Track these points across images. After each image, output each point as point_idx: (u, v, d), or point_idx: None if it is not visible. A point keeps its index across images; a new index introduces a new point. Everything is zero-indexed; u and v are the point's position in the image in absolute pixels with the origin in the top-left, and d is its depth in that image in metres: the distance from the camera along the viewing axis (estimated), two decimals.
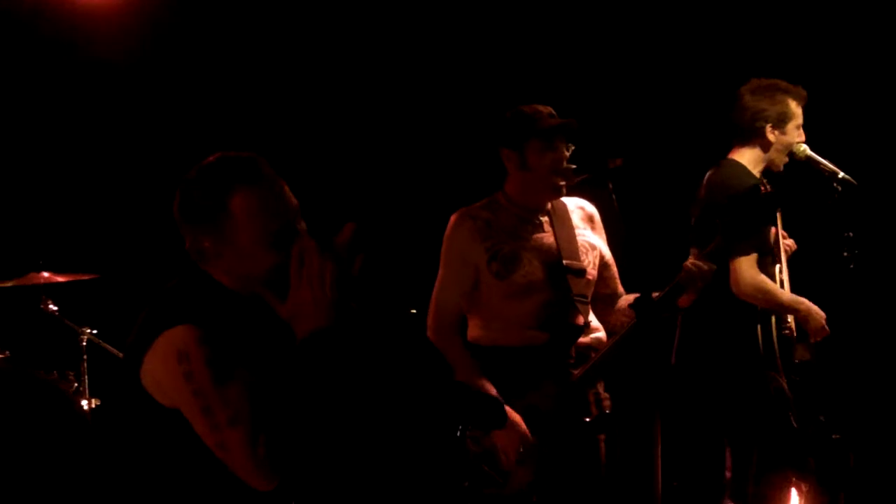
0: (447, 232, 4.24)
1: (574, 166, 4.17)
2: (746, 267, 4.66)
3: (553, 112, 4.21)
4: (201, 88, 6.45)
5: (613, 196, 4.17)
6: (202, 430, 2.59)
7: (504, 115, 4.23)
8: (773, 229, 4.94)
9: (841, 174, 4.95)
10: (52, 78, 6.43)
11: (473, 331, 4.27)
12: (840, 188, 4.96)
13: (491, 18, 6.71)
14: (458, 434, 4.04)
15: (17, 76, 6.41)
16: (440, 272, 4.25)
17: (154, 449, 2.69)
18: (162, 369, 2.62)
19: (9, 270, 5.70)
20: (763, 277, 4.78)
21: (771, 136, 4.90)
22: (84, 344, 5.81)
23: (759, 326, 4.77)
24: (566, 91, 6.47)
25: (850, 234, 4.99)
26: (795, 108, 4.92)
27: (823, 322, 4.88)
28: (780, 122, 4.90)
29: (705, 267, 4.11)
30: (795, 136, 4.93)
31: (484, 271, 4.15)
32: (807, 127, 4.97)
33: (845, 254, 5.00)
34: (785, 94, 4.91)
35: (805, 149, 4.95)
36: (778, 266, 4.94)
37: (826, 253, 5.01)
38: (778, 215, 4.98)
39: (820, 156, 4.96)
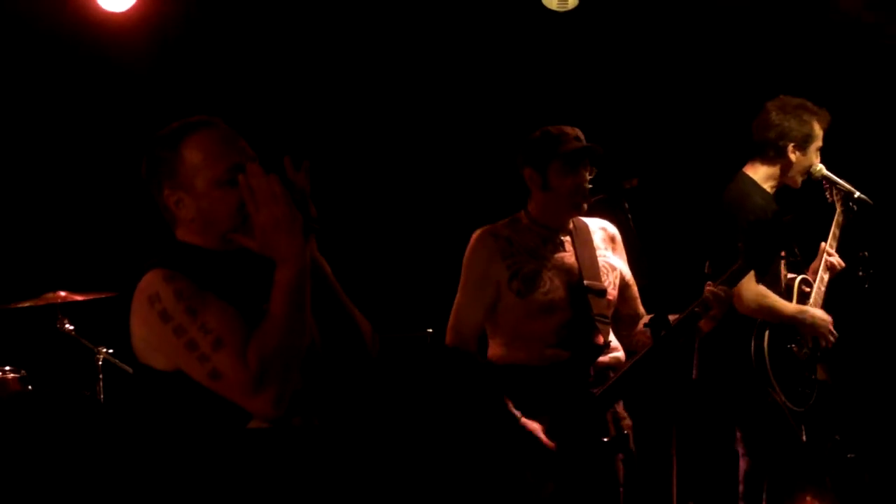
0: (468, 250, 4.25)
1: (590, 186, 4.19)
2: (746, 282, 4.64)
3: (580, 135, 4.22)
4: (220, 103, 6.46)
5: (629, 216, 4.19)
6: (191, 366, 2.63)
7: (530, 135, 4.25)
8: (821, 244, 4.98)
9: (857, 193, 4.96)
10: (70, 93, 6.46)
11: (494, 349, 4.27)
12: (856, 207, 4.97)
13: (512, 39, 6.73)
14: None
15: (34, 92, 6.43)
16: (460, 290, 4.26)
17: (162, 422, 2.72)
18: (141, 322, 2.69)
19: (25, 290, 5.70)
20: (763, 290, 4.78)
21: (792, 157, 4.88)
22: (100, 363, 5.81)
23: (752, 341, 4.77)
24: (584, 111, 6.50)
25: (866, 253, 5.00)
26: (819, 131, 4.90)
27: (830, 326, 4.87)
28: (804, 143, 4.87)
29: (722, 294, 4.12)
30: (815, 159, 4.91)
31: (505, 290, 4.16)
32: (823, 145, 4.96)
33: (860, 273, 5.01)
34: (812, 116, 4.88)
35: (821, 168, 4.94)
36: (804, 278, 4.92)
37: (842, 272, 5.00)
38: (833, 230, 4.99)
39: (836, 175, 4.97)
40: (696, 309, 4.13)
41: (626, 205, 4.20)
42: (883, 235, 5.33)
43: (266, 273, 2.76)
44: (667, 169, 6.21)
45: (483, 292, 4.19)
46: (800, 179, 4.94)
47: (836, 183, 4.96)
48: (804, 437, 4.86)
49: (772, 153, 4.90)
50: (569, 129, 4.21)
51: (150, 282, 2.68)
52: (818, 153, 4.93)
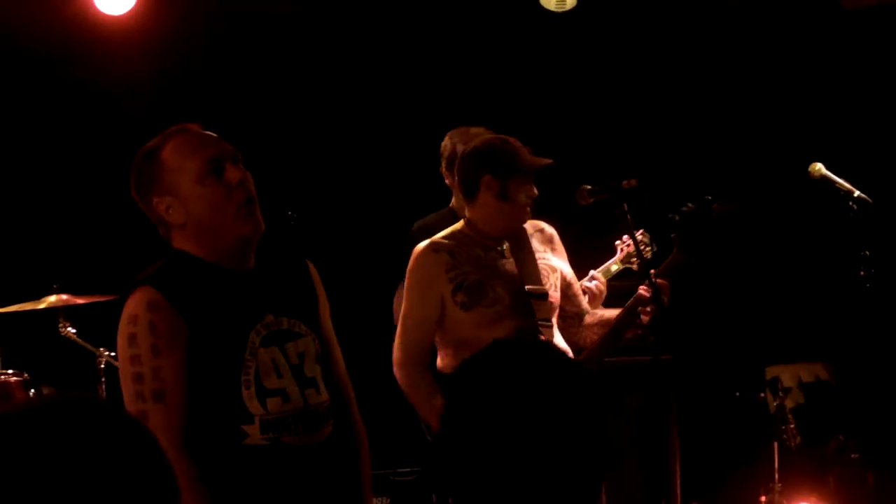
0: (410, 265, 4.23)
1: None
2: None
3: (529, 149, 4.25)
4: (221, 108, 6.46)
5: (629, 216, 4.19)
6: (128, 393, 2.70)
7: (484, 144, 4.24)
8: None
9: (856, 193, 4.95)
10: (70, 98, 6.46)
11: (443, 360, 4.27)
12: (856, 207, 4.96)
13: (510, 39, 6.73)
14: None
15: (34, 97, 6.44)
16: (404, 305, 4.23)
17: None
18: (119, 333, 2.76)
19: (26, 293, 5.71)
20: None
21: None
22: (102, 366, 5.81)
23: None
24: (581, 111, 6.50)
25: (867, 252, 4.98)
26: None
27: None
28: None
29: (659, 287, 4.15)
30: None
31: (449, 302, 4.14)
32: (822, 145, 4.96)
33: (862, 272, 4.99)
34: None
35: (820, 168, 4.94)
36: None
37: (843, 272, 5.00)
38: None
39: (835, 175, 4.96)
40: (632, 305, 4.22)
41: (626, 205, 4.22)
42: (884, 235, 5.31)
43: (258, 290, 2.81)
44: (664, 170, 6.20)
45: (428, 306, 4.16)
46: None
47: (834, 182, 4.95)
48: None
49: None
50: (517, 142, 4.22)
51: (136, 302, 2.74)
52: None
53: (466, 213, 4.28)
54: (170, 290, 2.75)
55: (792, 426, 5.49)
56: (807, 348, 6.17)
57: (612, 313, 4.40)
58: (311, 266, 3.09)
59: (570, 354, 4.26)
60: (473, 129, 4.82)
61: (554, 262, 4.34)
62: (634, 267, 4.79)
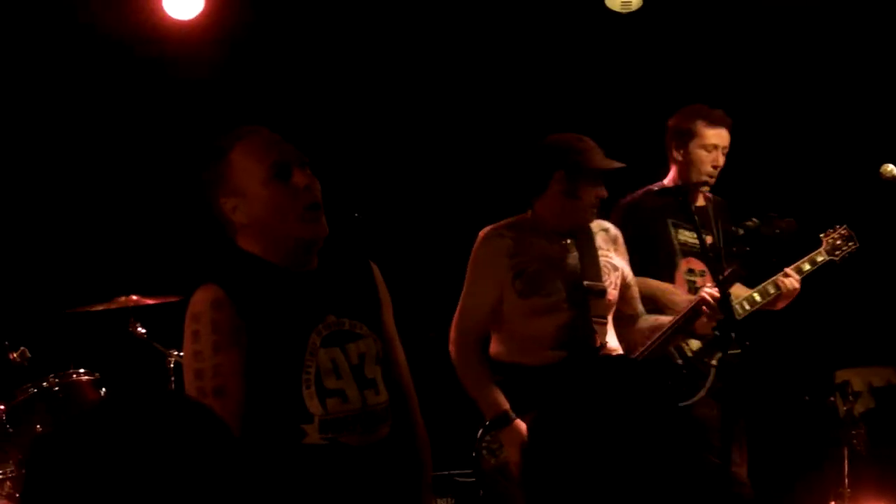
0: (474, 249, 4.30)
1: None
2: None
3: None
4: (283, 109, 6.52)
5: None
6: (188, 391, 2.74)
7: (567, 140, 4.27)
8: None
9: None
10: (140, 101, 6.55)
11: (495, 346, 4.32)
12: None
13: (575, 40, 6.72)
14: (477, 443, 4.10)
15: (106, 100, 6.53)
16: (465, 287, 4.31)
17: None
18: (185, 329, 2.81)
19: (98, 294, 5.79)
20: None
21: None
22: (171, 366, 5.87)
23: None
24: (645, 111, 6.47)
25: None
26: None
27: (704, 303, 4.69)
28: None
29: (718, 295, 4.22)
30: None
31: (508, 288, 4.21)
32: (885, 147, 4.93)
33: None
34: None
35: (892, 169, 4.89)
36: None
37: None
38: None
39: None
40: (688, 314, 4.36)
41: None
42: None
43: (320, 291, 2.85)
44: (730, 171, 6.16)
45: (488, 291, 4.24)
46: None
47: None
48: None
49: None
50: (592, 142, 4.26)
51: (200, 300, 2.79)
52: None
53: (534, 204, 4.32)
54: (233, 288, 2.79)
55: (862, 431, 5.44)
56: (878, 352, 6.10)
57: (666, 320, 4.46)
58: (374, 267, 3.11)
59: (621, 352, 4.33)
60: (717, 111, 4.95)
61: (616, 262, 4.39)
62: (837, 260, 4.92)
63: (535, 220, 4.31)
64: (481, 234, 4.31)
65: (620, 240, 4.46)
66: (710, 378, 4.74)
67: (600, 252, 4.34)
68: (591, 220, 4.30)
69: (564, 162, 4.21)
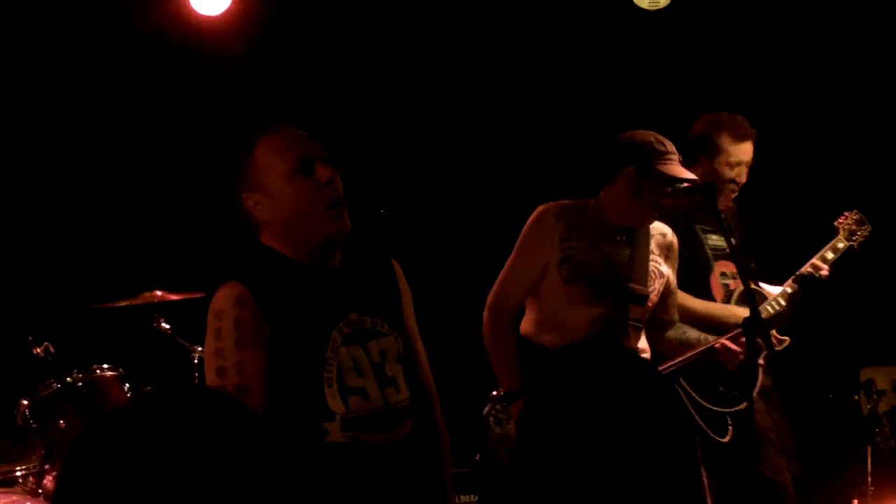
0: (529, 222, 4.25)
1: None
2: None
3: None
4: (311, 105, 6.53)
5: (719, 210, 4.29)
6: (210, 385, 2.74)
7: (646, 140, 4.21)
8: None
9: None
10: (166, 97, 6.57)
11: (527, 325, 4.29)
12: None
13: (603, 37, 6.72)
14: (486, 410, 4.09)
15: (133, 96, 6.56)
16: (511, 258, 4.26)
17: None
18: (207, 326, 2.80)
19: (122, 290, 5.81)
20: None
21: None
22: (196, 361, 5.88)
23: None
24: (673, 110, 6.45)
25: None
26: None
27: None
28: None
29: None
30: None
31: (553, 270, 4.16)
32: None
33: None
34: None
35: None
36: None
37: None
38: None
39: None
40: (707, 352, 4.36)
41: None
42: None
43: (342, 288, 2.84)
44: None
45: (532, 267, 4.20)
46: None
47: None
48: None
49: None
50: (672, 147, 4.20)
51: (223, 297, 2.79)
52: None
53: (600, 192, 4.29)
54: (256, 285, 2.79)
55: (886, 429, 5.41)
56: None
57: (693, 335, 4.43)
58: (396, 265, 3.10)
59: (648, 355, 4.29)
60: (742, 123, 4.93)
61: (663, 269, 4.34)
62: (855, 245, 4.89)
63: (596, 208, 4.26)
64: (538, 209, 4.25)
65: (675, 248, 4.41)
66: (759, 378, 4.71)
67: (651, 256, 4.29)
68: (649, 223, 4.27)
69: (637, 159, 4.17)
